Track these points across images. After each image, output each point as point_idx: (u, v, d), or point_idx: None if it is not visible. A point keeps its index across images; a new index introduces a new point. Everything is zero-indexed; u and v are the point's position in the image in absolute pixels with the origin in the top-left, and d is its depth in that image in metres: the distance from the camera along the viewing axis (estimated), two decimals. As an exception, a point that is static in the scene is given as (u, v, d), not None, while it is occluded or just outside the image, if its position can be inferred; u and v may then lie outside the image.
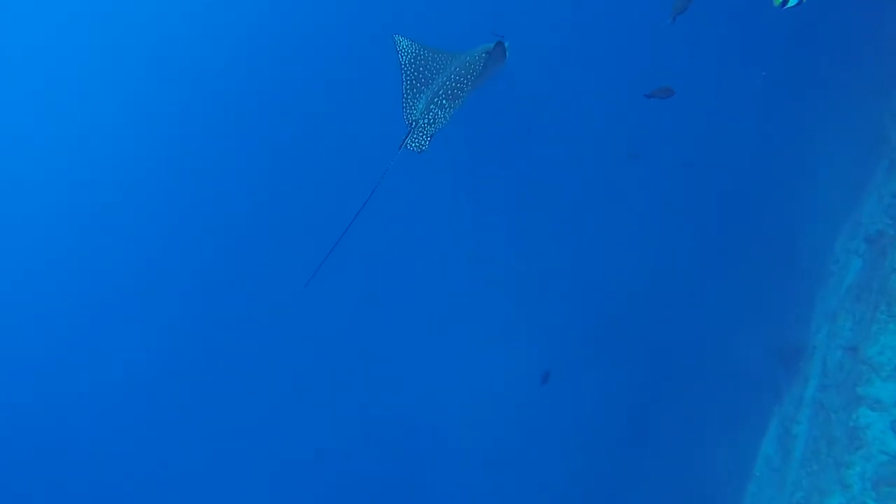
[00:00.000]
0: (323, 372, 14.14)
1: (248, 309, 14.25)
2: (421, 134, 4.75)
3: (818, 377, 9.60)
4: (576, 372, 12.11)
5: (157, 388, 14.25)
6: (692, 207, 12.60)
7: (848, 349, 8.98)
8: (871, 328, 8.33)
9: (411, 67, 4.88)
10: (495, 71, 4.86)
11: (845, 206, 10.53)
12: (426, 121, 4.75)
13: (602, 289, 12.61)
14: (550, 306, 13.04)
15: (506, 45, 4.88)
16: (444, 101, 4.76)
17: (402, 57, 4.93)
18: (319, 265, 5.61)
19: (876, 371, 8.05)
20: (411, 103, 4.79)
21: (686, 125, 12.19)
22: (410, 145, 4.73)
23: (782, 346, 10.64)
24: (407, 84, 4.84)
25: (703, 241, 12.30)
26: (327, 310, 13.75)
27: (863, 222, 10.14)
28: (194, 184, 14.54)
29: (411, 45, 4.97)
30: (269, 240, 14.36)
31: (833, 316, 9.79)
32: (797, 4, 4.41)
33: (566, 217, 13.36)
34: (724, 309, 11.59)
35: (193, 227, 14.50)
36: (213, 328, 14.24)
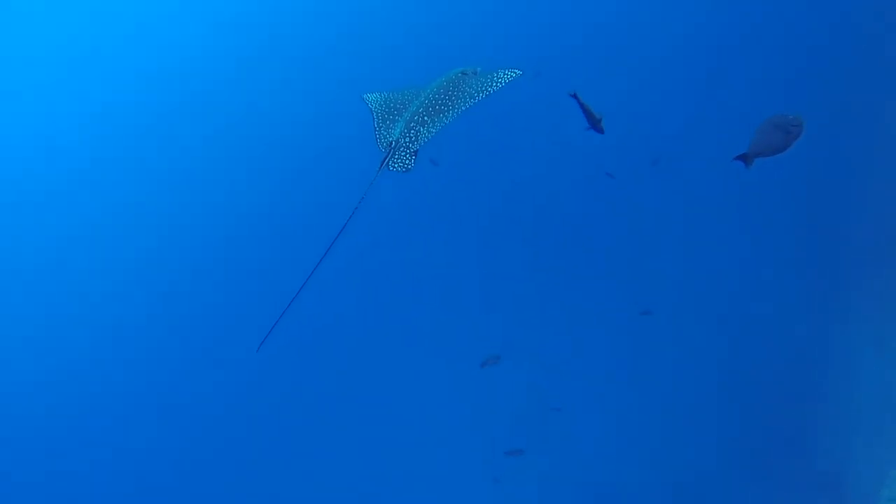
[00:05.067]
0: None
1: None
2: (404, 153, 4.63)
3: None
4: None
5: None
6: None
7: None
8: None
9: (382, 109, 4.98)
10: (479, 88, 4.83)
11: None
12: (407, 139, 4.65)
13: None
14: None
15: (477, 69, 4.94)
16: (425, 118, 4.71)
17: (372, 106, 5.03)
18: (272, 327, 4.89)
19: None
20: (385, 134, 4.76)
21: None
22: (393, 166, 4.58)
23: None
24: (378, 120, 4.88)
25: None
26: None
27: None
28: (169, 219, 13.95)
29: (379, 94, 5.12)
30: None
31: None
32: None
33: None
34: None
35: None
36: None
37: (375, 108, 4.98)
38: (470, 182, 12.61)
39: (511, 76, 4.77)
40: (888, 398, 9.97)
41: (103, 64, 13.74)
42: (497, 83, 4.78)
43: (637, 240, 12.45)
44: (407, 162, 4.58)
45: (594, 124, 5.43)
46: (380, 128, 4.80)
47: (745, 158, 4.38)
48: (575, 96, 5.33)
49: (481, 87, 4.77)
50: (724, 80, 11.77)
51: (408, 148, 4.61)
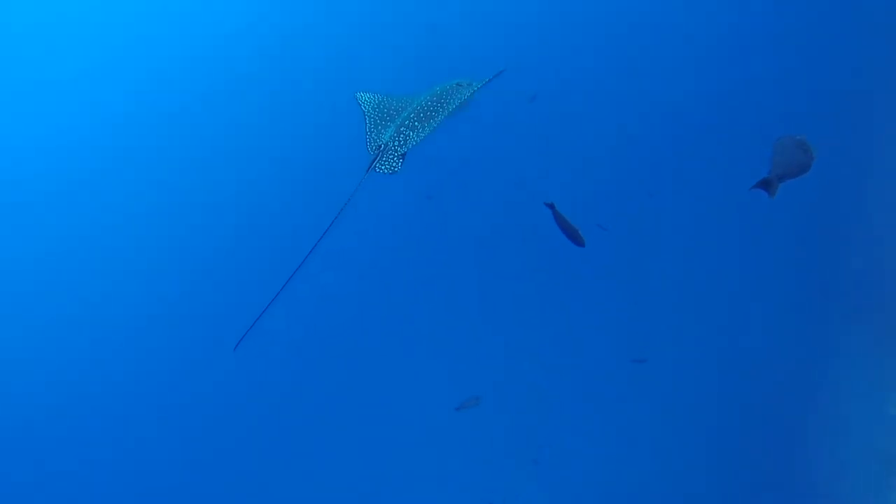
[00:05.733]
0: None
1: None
2: (392, 155, 4.78)
3: None
4: None
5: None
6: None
7: None
8: None
9: (374, 112, 5.08)
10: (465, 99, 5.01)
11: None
12: (397, 143, 4.80)
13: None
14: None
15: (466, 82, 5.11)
16: (415, 124, 4.86)
17: (364, 108, 5.14)
18: (250, 327, 4.95)
19: None
20: (375, 137, 4.88)
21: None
22: (380, 168, 4.73)
23: None
24: (370, 124, 4.99)
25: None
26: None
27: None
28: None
29: (374, 96, 5.25)
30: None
31: None
32: None
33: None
34: None
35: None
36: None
37: (368, 110, 5.09)
38: (462, 207, 12.53)
39: (496, 75, 4.94)
40: (880, 438, 10.03)
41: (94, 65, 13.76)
42: (481, 83, 4.97)
43: (630, 275, 12.33)
44: (394, 164, 4.71)
45: (571, 236, 5.17)
46: (370, 132, 4.92)
47: (767, 184, 3.70)
48: (551, 207, 5.16)
49: (468, 89, 4.95)
50: (724, 110, 11.76)
51: (396, 151, 4.74)
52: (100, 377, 13.16)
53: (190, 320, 12.94)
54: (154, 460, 12.67)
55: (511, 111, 10.91)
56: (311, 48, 13.41)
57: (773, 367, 11.15)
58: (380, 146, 4.78)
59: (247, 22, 13.61)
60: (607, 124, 11.73)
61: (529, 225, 12.33)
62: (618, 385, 11.85)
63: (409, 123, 4.85)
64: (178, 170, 13.73)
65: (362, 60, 12.62)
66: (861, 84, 10.86)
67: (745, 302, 11.45)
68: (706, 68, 11.71)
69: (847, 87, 10.90)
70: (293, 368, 12.74)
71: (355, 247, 11.95)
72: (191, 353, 12.56)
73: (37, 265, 13.79)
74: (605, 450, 11.87)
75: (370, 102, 5.15)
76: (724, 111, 11.54)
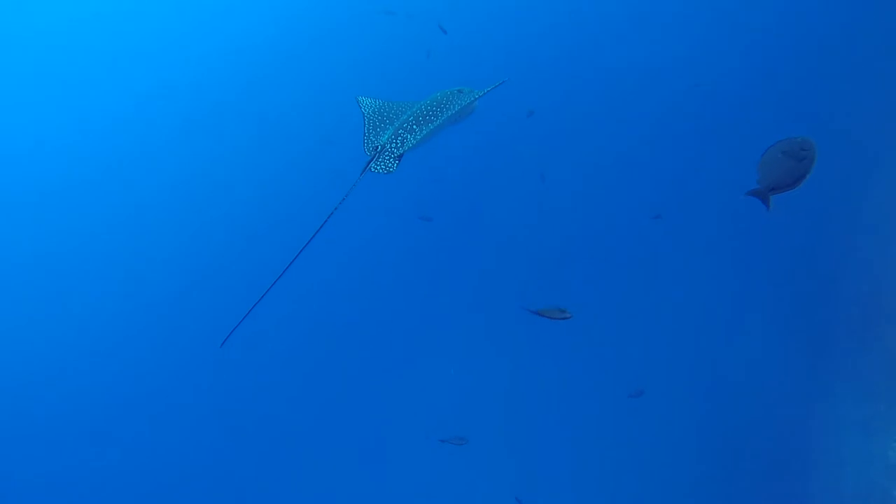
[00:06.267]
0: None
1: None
2: (388, 156, 4.80)
3: None
4: None
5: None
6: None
7: None
8: None
9: (374, 115, 5.15)
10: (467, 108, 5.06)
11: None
12: (394, 145, 4.84)
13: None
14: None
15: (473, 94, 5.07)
16: (413, 126, 4.90)
17: (364, 110, 5.23)
18: (240, 322, 4.99)
19: None
20: (373, 139, 4.93)
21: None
22: (375, 168, 4.76)
23: None
24: (369, 126, 5.05)
25: None
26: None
27: None
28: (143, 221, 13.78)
29: (374, 101, 5.33)
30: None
31: None
32: None
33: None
34: None
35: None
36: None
37: (368, 112, 5.19)
38: (458, 226, 12.39)
39: (496, 85, 5.00)
40: (874, 480, 9.81)
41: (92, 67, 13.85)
42: (482, 91, 5.03)
43: (624, 314, 12.06)
44: (389, 165, 4.75)
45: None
46: (369, 133, 4.99)
47: (759, 195, 3.75)
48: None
49: (469, 95, 5.02)
50: (726, 124, 11.66)
51: (393, 153, 4.79)
52: (93, 377, 13.10)
53: (180, 317, 12.91)
54: (139, 457, 12.56)
55: (510, 124, 10.90)
56: (317, 58, 13.56)
57: (773, 405, 10.98)
58: (377, 147, 4.81)
59: (248, 29, 13.81)
60: (604, 140, 11.71)
61: (525, 244, 12.29)
62: (610, 419, 11.65)
63: (407, 126, 4.91)
64: (173, 171, 13.81)
65: (367, 70, 12.74)
66: (867, 100, 10.83)
67: (745, 338, 11.31)
68: (707, 85, 11.69)
69: (853, 103, 10.86)
70: (282, 371, 12.65)
71: (348, 249, 11.92)
72: (178, 350, 12.50)
73: (32, 266, 13.80)
74: (595, 487, 11.64)
75: (371, 106, 5.24)
76: (725, 125, 11.50)
